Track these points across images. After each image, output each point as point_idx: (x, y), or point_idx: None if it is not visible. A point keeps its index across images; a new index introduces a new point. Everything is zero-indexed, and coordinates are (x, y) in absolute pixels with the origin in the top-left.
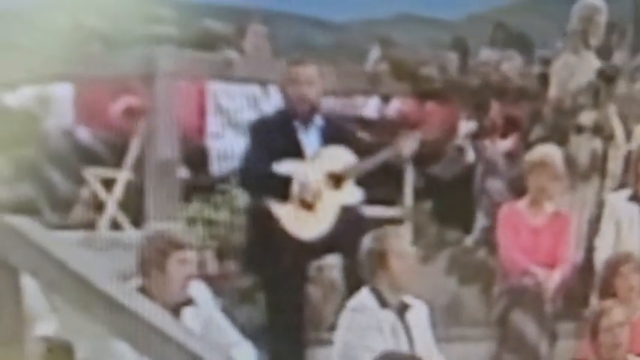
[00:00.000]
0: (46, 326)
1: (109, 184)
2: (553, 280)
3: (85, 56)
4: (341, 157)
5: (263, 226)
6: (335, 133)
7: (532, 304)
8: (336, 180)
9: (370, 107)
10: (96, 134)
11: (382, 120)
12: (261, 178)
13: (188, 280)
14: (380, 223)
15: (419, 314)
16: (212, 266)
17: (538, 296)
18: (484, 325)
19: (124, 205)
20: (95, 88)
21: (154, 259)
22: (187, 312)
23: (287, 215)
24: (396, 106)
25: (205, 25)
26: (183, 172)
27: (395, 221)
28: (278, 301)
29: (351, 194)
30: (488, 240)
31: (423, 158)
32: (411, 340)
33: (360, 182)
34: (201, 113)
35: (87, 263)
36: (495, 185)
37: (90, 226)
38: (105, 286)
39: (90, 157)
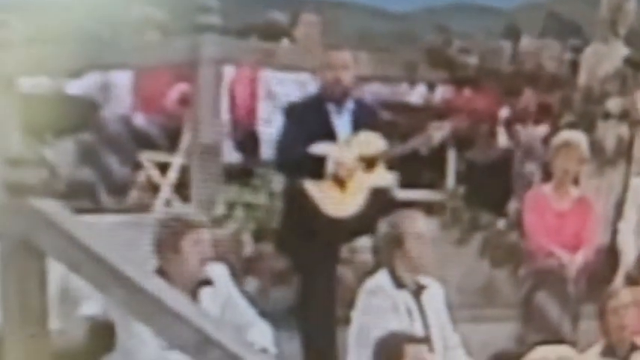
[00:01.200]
0: (90, 306)
1: (163, 168)
2: (576, 262)
3: (142, 44)
4: (372, 142)
5: (298, 206)
6: (366, 116)
7: (555, 285)
8: (368, 163)
9: (416, 94)
10: (152, 120)
11: (427, 107)
12: (296, 158)
13: (203, 260)
14: (419, 205)
15: (434, 295)
16: (249, 248)
17: (561, 278)
18: (513, 306)
19: (178, 188)
20: (152, 75)
21: (168, 241)
22: (205, 292)
23: (320, 193)
24: (440, 94)
25: (265, 15)
26: (235, 157)
27: (435, 205)
28: (311, 282)
29: (382, 177)
30: (520, 223)
31: (462, 143)
32: (425, 320)
33: (403, 166)
34: (253, 99)
35: (108, 245)
36: (531, 169)
37: (145, 209)
38: (123, 267)
39: (145, 142)
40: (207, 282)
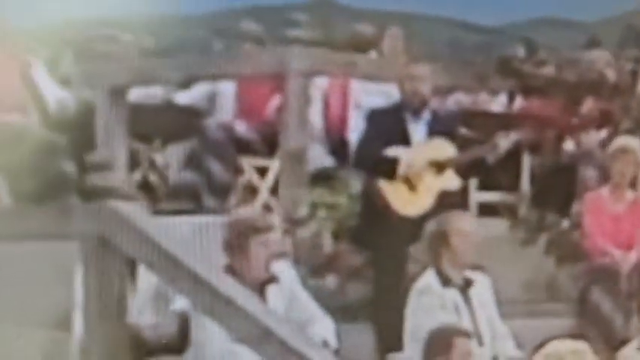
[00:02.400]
0: (182, 301)
1: (262, 172)
2: (629, 260)
3: (235, 56)
4: (442, 148)
5: (373, 204)
6: (440, 127)
7: (609, 282)
8: (438, 168)
9: (498, 103)
10: (252, 127)
11: (507, 114)
12: (373, 159)
13: (270, 260)
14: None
15: (482, 289)
16: (328, 246)
17: (615, 275)
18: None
19: (275, 191)
20: (253, 85)
21: (237, 242)
22: (271, 289)
23: (393, 192)
24: (519, 103)
25: (352, 28)
26: (326, 161)
27: (507, 206)
28: (384, 277)
29: (450, 181)
30: (581, 224)
31: (531, 148)
32: (473, 314)
33: (480, 169)
34: (345, 108)
35: (179, 244)
36: (591, 173)
37: None
38: (193, 264)
39: (246, 148)
40: (273, 279)
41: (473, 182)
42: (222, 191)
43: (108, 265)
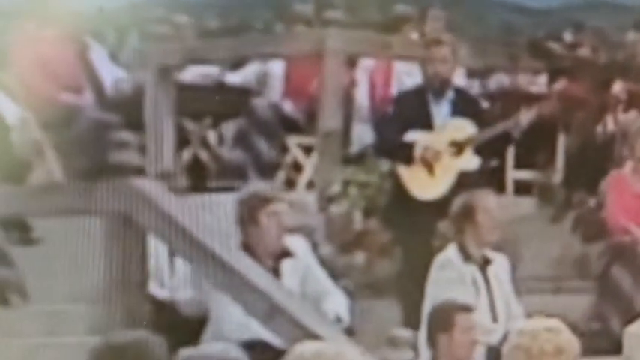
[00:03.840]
0: None
1: (308, 150)
2: None
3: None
4: (464, 128)
5: (396, 187)
6: (464, 105)
7: (629, 259)
8: (458, 148)
9: (539, 84)
10: (298, 106)
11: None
12: (392, 144)
13: (281, 232)
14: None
15: (500, 268)
16: (358, 223)
17: (635, 253)
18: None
19: None
20: (300, 65)
21: (247, 216)
22: (286, 264)
23: (411, 177)
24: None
25: (393, 9)
26: (370, 139)
27: (541, 185)
28: (409, 255)
29: (469, 161)
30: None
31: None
32: (490, 291)
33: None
34: (388, 88)
35: (197, 222)
36: (624, 153)
37: (290, 187)
38: (208, 241)
39: (292, 127)
40: (288, 254)
41: (510, 160)
42: (268, 169)
43: (129, 240)
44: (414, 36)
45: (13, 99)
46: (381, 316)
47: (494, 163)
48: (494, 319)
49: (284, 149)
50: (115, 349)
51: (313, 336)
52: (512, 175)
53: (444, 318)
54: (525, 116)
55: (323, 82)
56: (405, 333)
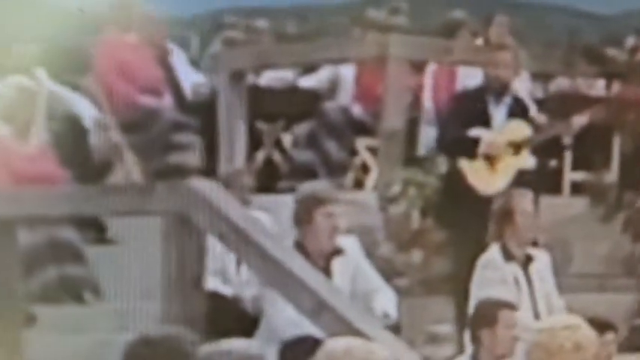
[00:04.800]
0: None
1: (375, 152)
2: None
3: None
4: (520, 129)
5: (456, 184)
6: (518, 110)
7: None
8: (515, 148)
9: (597, 87)
10: (367, 109)
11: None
12: (456, 140)
13: (334, 232)
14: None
15: (542, 265)
16: (415, 222)
17: None
18: None
19: None
20: (370, 69)
21: (303, 215)
22: (337, 262)
23: (473, 171)
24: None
25: (451, 15)
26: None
27: (593, 185)
28: (463, 254)
29: (526, 161)
30: None
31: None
32: (532, 289)
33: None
34: (452, 91)
35: (251, 220)
36: None
37: (358, 188)
38: (262, 240)
39: (361, 130)
40: (339, 252)
41: (567, 162)
42: (337, 170)
43: (186, 239)
44: (476, 41)
45: (93, 102)
46: (436, 314)
47: (552, 163)
48: (536, 316)
49: (353, 151)
50: (149, 344)
51: (358, 332)
52: (570, 176)
53: (487, 314)
54: (577, 121)
55: (386, 86)
56: (444, 329)
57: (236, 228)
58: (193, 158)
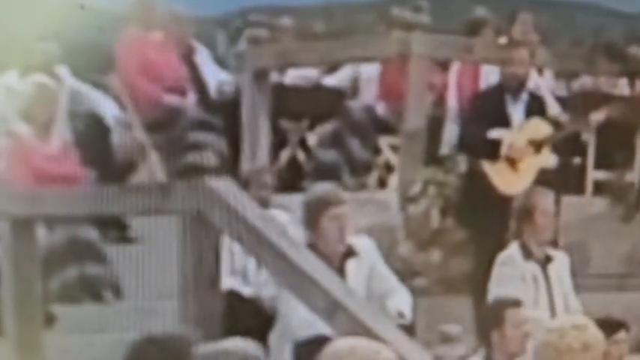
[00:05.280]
0: None
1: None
2: None
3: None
4: (540, 127)
5: (477, 183)
6: (536, 107)
7: None
8: (536, 146)
9: (620, 86)
10: (391, 108)
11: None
12: (477, 141)
13: (343, 234)
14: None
15: (560, 266)
16: (435, 222)
17: None
18: None
19: None
20: (394, 67)
21: (310, 218)
22: (351, 263)
23: (496, 172)
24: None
25: (474, 13)
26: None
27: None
28: (483, 254)
29: (547, 159)
30: None
31: None
32: (550, 288)
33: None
34: (476, 91)
35: (266, 220)
36: None
37: (382, 186)
38: (277, 240)
39: (385, 128)
40: (353, 253)
41: (590, 160)
42: (361, 169)
43: (203, 238)
44: (499, 39)
45: (116, 101)
46: (455, 313)
47: (575, 162)
48: (553, 314)
49: (377, 150)
50: (154, 344)
51: (371, 332)
52: (593, 175)
53: (494, 315)
54: (595, 117)
55: (407, 84)
56: (455, 329)
57: (251, 228)
58: (211, 158)
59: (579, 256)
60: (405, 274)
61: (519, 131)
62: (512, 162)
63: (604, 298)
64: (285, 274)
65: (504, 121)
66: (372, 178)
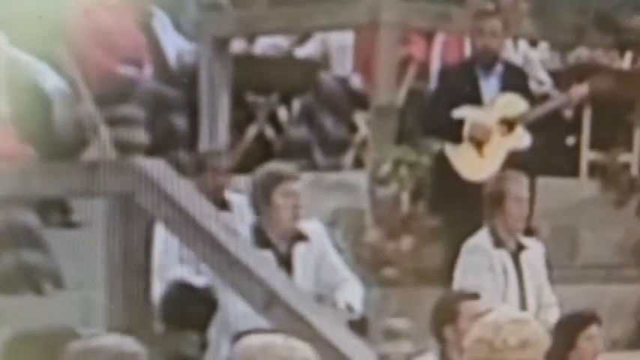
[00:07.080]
0: None
1: None
2: None
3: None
4: (514, 103)
5: (446, 165)
6: (513, 79)
7: None
8: (509, 126)
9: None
10: (368, 81)
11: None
12: (439, 121)
13: (296, 213)
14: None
15: (534, 256)
16: (405, 205)
17: None
18: None
19: None
20: (369, 37)
21: (261, 195)
22: (300, 248)
23: (459, 156)
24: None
25: None
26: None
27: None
28: (456, 242)
29: (520, 139)
30: None
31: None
32: (521, 279)
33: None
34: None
35: (199, 204)
36: None
37: (359, 166)
38: (209, 225)
39: (360, 103)
40: (302, 237)
41: (585, 141)
42: (335, 148)
43: (131, 222)
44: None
45: (64, 72)
46: (429, 305)
47: (570, 141)
48: (524, 307)
49: (353, 127)
50: (29, 340)
51: (310, 327)
52: (587, 156)
53: (448, 309)
54: (577, 92)
55: (377, 55)
56: (401, 324)
57: (182, 212)
58: (140, 135)
59: (567, 243)
60: (374, 263)
61: (490, 108)
62: (477, 144)
63: (591, 290)
64: (218, 262)
65: (475, 98)
66: (349, 158)
